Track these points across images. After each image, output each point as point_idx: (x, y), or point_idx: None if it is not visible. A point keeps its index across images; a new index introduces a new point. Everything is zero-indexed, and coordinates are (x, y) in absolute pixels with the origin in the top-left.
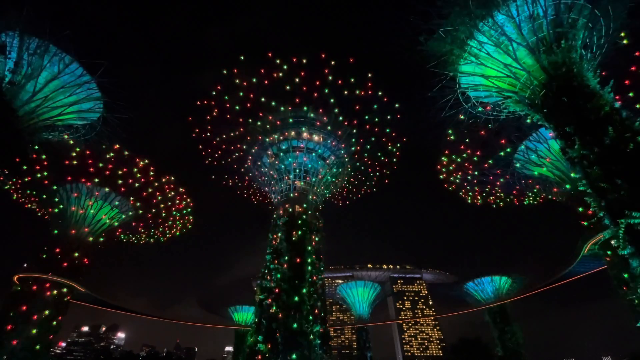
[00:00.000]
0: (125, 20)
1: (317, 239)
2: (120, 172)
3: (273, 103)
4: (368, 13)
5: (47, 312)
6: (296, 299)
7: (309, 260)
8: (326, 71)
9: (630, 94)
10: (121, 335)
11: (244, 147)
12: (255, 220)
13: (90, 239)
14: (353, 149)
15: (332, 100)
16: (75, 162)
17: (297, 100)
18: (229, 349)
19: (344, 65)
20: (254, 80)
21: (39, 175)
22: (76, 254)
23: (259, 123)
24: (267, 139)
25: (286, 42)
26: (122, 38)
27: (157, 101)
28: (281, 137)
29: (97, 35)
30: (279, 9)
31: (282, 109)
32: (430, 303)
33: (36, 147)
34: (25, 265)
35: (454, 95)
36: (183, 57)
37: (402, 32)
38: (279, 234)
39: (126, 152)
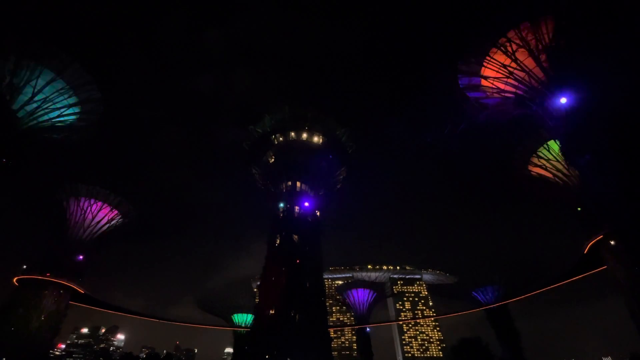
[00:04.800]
0: (124, 21)
1: (316, 239)
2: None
3: (272, 103)
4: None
5: (46, 314)
6: (296, 300)
7: (309, 261)
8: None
9: None
10: (121, 336)
11: (245, 147)
12: (255, 220)
13: (90, 240)
14: (350, 150)
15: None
16: (74, 162)
17: (297, 101)
18: (229, 350)
19: (345, 67)
20: (253, 80)
21: (38, 176)
22: (75, 256)
23: (258, 123)
24: (267, 139)
25: (284, 43)
26: (121, 39)
27: (157, 101)
28: (281, 138)
29: (97, 37)
30: (277, 11)
31: (281, 109)
32: (431, 304)
33: (36, 148)
34: (25, 267)
35: None
36: (181, 58)
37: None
38: (278, 235)
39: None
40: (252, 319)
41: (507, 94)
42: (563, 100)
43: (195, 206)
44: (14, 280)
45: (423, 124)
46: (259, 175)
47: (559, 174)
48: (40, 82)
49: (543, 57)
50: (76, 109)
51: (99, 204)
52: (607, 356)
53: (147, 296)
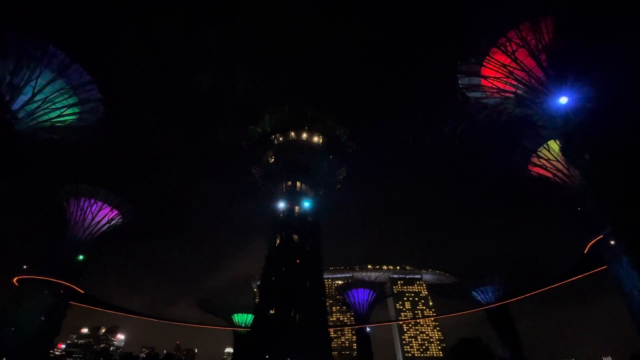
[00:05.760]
0: (124, 21)
1: (316, 239)
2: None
3: (272, 103)
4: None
5: (46, 314)
6: (295, 300)
7: (309, 261)
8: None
9: None
10: (121, 336)
11: (245, 147)
12: (255, 220)
13: (90, 240)
14: (350, 150)
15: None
16: (74, 163)
17: (297, 101)
18: (229, 350)
19: (345, 66)
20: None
21: (38, 176)
22: (75, 256)
23: (258, 123)
24: (267, 139)
25: (284, 43)
26: (122, 39)
27: (157, 101)
28: (281, 138)
29: (97, 37)
30: (277, 11)
31: (281, 109)
32: (431, 304)
33: (35, 148)
34: (25, 267)
35: None
36: (182, 58)
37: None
38: (278, 235)
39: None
40: (252, 319)
41: (507, 94)
42: (563, 100)
43: (195, 206)
44: (14, 280)
45: (423, 124)
46: (259, 175)
47: (559, 174)
48: (40, 82)
49: (543, 56)
50: (76, 109)
51: (99, 204)
52: (607, 356)
53: (147, 296)
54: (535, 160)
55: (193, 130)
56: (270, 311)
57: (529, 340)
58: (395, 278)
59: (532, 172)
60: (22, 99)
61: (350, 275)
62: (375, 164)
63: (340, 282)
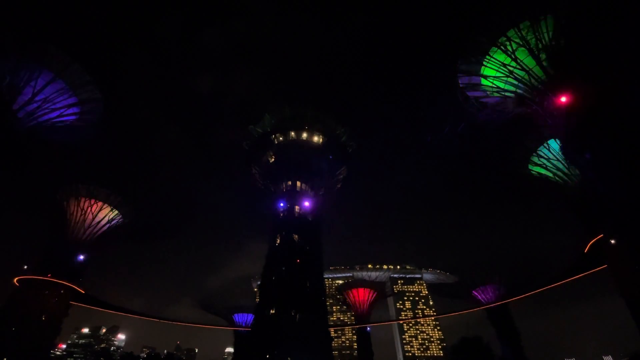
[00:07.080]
0: (124, 21)
1: (316, 239)
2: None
3: (272, 103)
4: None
5: (47, 314)
6: (296, 300)
7: (309, 261)
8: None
9: None
10: (121, 336)
11: (245, 147)
12: (255, 220)
13: (90, 240)
14: (350, 150)
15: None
16: (74, 162)
17: (297, 100)
18: (230, 350)
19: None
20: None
21: (38, 176)
22: (76, 256)
23: (258, 123)
24: (267, 139)
25: (284, 43)
26: (121, 39)
27: (156, 101)
28: (281, 137)
29: (97, 37)
30: (276, 11)
31: (281, 109)
32: (431, 303)
33: (36, 148)
34: (25, 267)
35: None
36: (181, 58)
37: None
38: (279, 235)
39: None
40: (252, 319)
41: (507, 93)
42: (563, 99)
43: (195, 206)
44: (15, 280)
45: (423, 123)
46: (259, 175)
47: (559, 173)
48: (40, 82)
49: (543, 56)
50: (76, 109)
51: (99, 204)
52: (607, 356)
53: (147, 296)
54: (535, 159)
55: (193, 130)
56: (270, 311)
57: (529, 339)
58: (395, 278)
59: (532, 171)
60: (22, 99)
61: (351, 275)
62: (375, 164)
63: (340, 281)
